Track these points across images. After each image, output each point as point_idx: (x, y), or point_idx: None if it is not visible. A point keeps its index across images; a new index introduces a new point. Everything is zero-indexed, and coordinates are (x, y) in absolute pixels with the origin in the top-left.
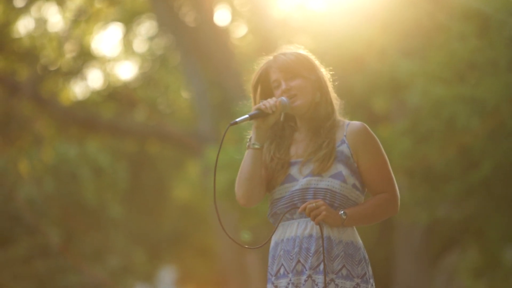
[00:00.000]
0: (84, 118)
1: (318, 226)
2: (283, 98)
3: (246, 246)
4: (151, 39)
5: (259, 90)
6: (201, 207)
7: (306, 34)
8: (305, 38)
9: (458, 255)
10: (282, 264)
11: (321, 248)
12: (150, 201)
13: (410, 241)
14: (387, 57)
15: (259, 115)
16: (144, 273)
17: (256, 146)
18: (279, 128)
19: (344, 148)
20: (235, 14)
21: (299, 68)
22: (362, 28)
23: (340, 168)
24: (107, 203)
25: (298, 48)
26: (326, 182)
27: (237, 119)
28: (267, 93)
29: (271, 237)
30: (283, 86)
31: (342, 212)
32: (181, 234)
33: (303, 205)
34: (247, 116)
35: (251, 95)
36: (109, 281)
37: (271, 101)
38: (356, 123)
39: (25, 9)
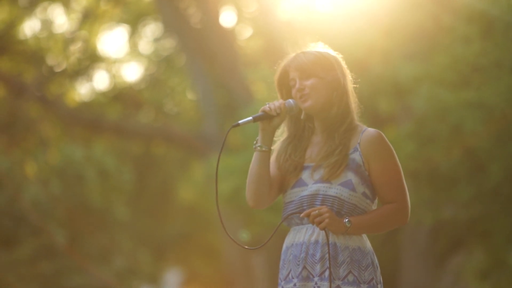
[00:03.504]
0: (90, 120)
1: (324, 233)
2: (290, 100)
3: (246, 247)
4: (156, 40)
5: (284, 88)
6: (207, 208)
7: (311, 36)
8: (310, 40)
9: (464, 256)
10: (291, 269)
11: (327, 255)
12: (156, 202)
13: (416, 243)
14: (390, 60)
15: (264, 117)
16: (150, 274)
17: (262, 149)
18: (299, 128)
19: (356, 156)
20: (241, 16)
21: (316, 68)
22: (365, 31)
23: (350, 176)
24: (112, 204)
25: (323, 47)
26: (335, 190)
27: (240, 121)
28: (289, 91)
29: (270, 238)
30: (297, 85)
31: (346, 220)
32: (187, 235)
33: (307, 211)
34: (250, 118)
35: (278, 93)
36: (115, 283)
37: (276, 103)
38: (371, 130)
39: (30, 11)
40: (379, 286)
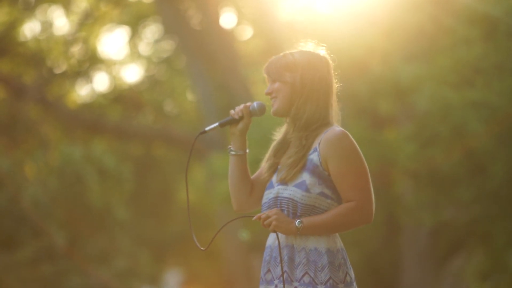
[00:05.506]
0: (90, 121)
1: (286, 236)
2: (254, 103)
3: (202, 248)
4: (157, 42)
5: None
6: (207, 209)
7: (311, 37)
8: (310, 41)
9: (464, 258)
10: (261, 272)
11: (285, 257)
12: (156, 203)
13: (417, 244)
14: (390, 61)
15: (230, 122)
16: (150, 275)
17: (233, 153)
18: (287, 131)
19: (314, 156)
20: (241, 17)
21: (282, 71)
22: (365, 32)
23: (305, 177)
24: (112, 205)
25: (313, 46)
26: (289, 191)
27: (207, 128)
28: None
29: (213, 240)
30: (266, 89)
31: (298, 221)
32: (187, 236)
33: (258, 215)
34: (217, 124)
35: None
36: (115, 284)
37: (240, 106)
38: (334, 130)
39: (31, 12)
40: (340, 285)
